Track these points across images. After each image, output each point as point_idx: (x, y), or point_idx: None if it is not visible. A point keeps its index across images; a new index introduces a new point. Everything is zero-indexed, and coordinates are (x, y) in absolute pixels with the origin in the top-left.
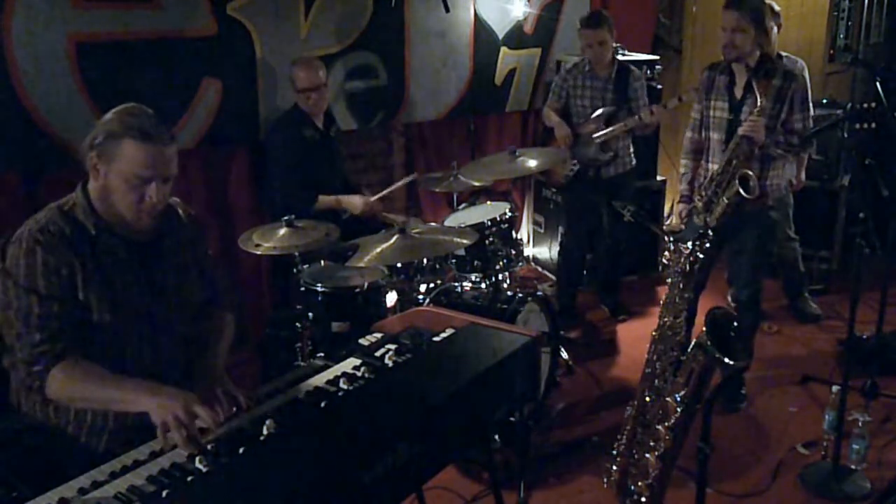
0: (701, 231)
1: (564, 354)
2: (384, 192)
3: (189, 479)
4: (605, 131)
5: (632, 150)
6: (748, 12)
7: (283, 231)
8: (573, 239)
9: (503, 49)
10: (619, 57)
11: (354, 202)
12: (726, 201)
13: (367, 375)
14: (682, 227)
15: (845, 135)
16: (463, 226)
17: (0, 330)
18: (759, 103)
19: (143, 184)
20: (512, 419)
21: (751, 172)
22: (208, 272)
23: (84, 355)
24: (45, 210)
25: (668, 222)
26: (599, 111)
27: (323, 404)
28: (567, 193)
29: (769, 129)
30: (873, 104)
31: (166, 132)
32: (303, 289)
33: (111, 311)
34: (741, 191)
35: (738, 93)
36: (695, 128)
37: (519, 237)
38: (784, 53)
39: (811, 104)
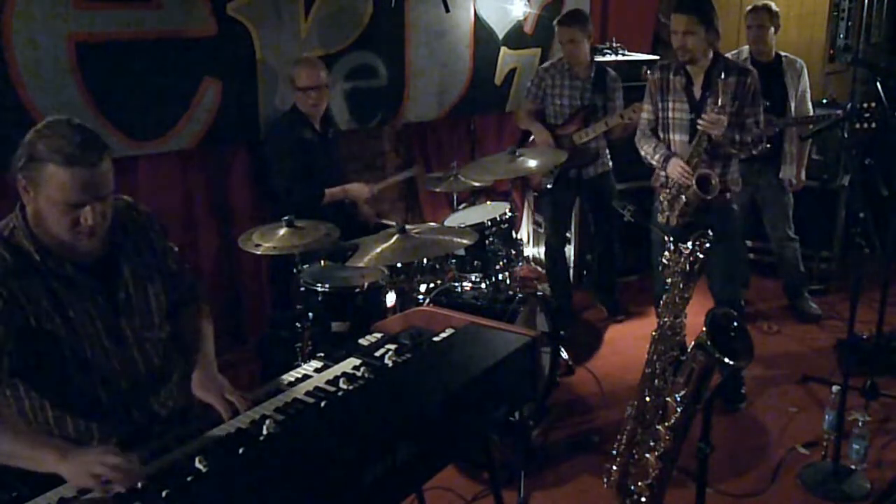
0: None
1: (564, 354)
2: (383, 183)
3: (189, 479)
4: (588, 133)
5: (608, 151)
6: (696, 14)
7: (283, 231)
8: (557, 239)
9: (503, 49)
10: (599, 58)
11: (360, 190)
12: (684, 200)
13: (367, 375)
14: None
15: (845, 135)
16: (463, 226)
17: None
18: (718, 101)
19: (75, 208)
20: (512, 419)
21: (711, 172)
22: (173, 269)
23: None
24: None
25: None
26: (576, 111)
27: (323, 404)
28: (548, 195)
29: (729, 126)
30: (873, 104)
31: (95, 150)
32: (303, 289)
33: (73, 337)
34: (698, 191)
35: (698, 93)
36: (649, 126)
37: (519, 237)
38: (784, 53)
39: (811, 103)
